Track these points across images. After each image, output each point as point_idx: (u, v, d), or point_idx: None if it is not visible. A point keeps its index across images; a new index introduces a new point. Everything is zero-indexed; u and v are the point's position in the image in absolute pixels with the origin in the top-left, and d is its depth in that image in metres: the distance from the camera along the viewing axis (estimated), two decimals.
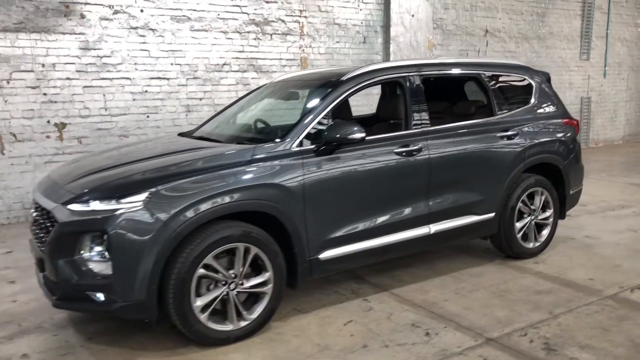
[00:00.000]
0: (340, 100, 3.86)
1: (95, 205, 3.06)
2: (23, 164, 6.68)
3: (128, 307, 3.07)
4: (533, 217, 4.80)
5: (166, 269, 3.11)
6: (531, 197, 4.79)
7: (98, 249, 3.04)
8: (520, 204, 4.67)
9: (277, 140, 3.58)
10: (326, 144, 3.60)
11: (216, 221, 3.27)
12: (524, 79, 4.95)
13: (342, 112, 5.10)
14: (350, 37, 9.01)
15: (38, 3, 6.58)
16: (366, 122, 4.78)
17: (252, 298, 3.46)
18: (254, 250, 3.34)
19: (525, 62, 10.72)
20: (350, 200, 3.74)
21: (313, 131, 3.65)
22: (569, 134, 5.02)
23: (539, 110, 4.91)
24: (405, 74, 4.20)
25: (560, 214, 5.08)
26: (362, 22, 9.09)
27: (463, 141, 4.30)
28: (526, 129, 4.70)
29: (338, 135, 3.56)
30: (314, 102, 3.82)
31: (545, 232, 4.92)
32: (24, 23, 6.54)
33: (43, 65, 6.70)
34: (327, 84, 3.99)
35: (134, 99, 7.33)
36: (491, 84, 4.66)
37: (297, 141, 3.58)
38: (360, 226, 3.80)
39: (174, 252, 3.11)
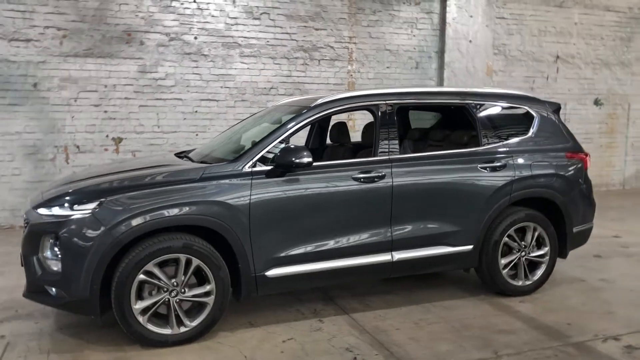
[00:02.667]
0: (302, 126, 4.04)
1: (56, 210, 3.51)
2: None
3: (74, 303, 3.47)
4: (523, 253, 4.58)
5: (111, 272, 3.47)
6: (523, 232, 4.59)
7: (54, 249, 3.48)
8: (506, 239, 4.49)
9: (232, 161, 3.84)
10: (277, 167, 3.79)
11: (162, 232, 3.58)
12: (524, 109, 4.77)
13: (322, 137, 5.31)
14: (402, 63, 9.07)
15: (104, 32, 7.46)
16: (343, 148, 4.92)
17: (198, 307, 3.71)
18: (195, 261, 3.61)
19: (606, 90, 10.14)
20: (300, 221, 3.88)
21: (270, 155, 3.86)
22: (571, 168, 4.73)
23: (538, 142, 4.70)
24: (377, 102, 4.28)
25: (561, 252, 4.79)
26: (415, 48, 9.12)
27: (434, 170, 4.26)
28: (518, 160, 4.52)
29: (286, 159, 3.75)
30: (276, 127, 4.03)
31: (539, 271, 4.66)
32: (91, 49, 7.44)
33: (105, 86, 7.56)
34: (297, 110, 4.19)
35: (184, 119, 7.98)
36: (480, 114, 4.56)
37: (250, 163, 3.81)
38: (312, 247, 3.92)
39: (118, 257, 3.47)
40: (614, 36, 10.55)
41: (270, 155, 3.87)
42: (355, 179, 4.03)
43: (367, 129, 4.81)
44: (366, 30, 8.81)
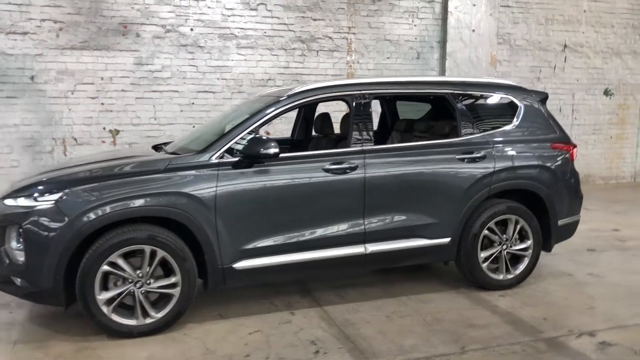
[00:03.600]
0: (272, 117, 3.99)
1: (21, 201, 3.53)
2: None
3: (38, 294, 3.50)
4: (505, 246, 4.47)
5: (76, 263, 3.48)
6: (505, 224, 4.48)
7: (19, 239, 3.50)
8: (486, 232, 4.39)
9: (199, 152, 3.81)
10: (244, 158, 3.76)
11: (130, 223, 3.58)
12: (507, 99, 4.64)
13: (307, 128, 5.25)
14: (403, 53, 8.93)
15: (100, 24, 7.50)
16: (326, 139, 4.85)
17: (165, 298, 3.71)
18: (160, 253, 3.60)
19: (616, 79, 9.86)
20: (268, 213, 3.84)
21: (239, 146, 3.82)
22: (557, 160, 4.60)
23: (522, 133, 4.58)
24: (351, 92, 4.20)
25: (545, 246, 4.67)
26: (416, 38, 8.97)
27: (408, 162, 4.18)
28: (499, 151, 4.41)
29: (252, 150, 3.71)
30: (246, 117, 3.99)
31: (521, 265, 4.55)
32: (88, 42, 7.49)
33: (102, 79, 7.61)
34: (270, 100, 4.14)
35: (181, 110, 7.99)
36: (460, 104, 4.46)
37: (217, 154, 3.78)
38: (281, 240, 3.88)
39: (82, 248, 3.47)
40: (625, 24, 10.23)
41: (239, 147, 3.83)
42: (326, 170, 3.97)
43: (344, 120, 4.74)
44: (365, 20, 8.69)
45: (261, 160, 3.78)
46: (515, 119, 4.60)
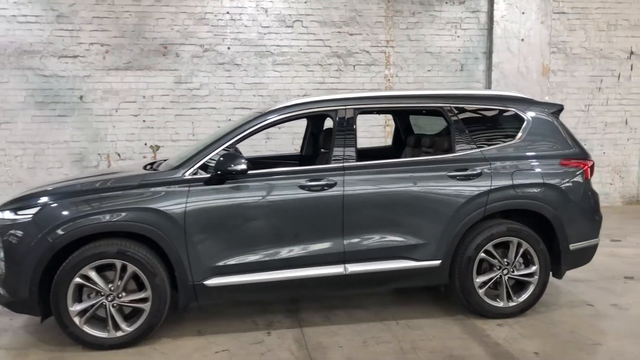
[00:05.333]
0: (250, 133, 3.96)
1: (6, 214, 3.74)
2: None
3: (16, 303, 3.68)
4: (506, 271, 4.13)
5: (51, 275, 3.63)
6: (507, 247, 4.14)
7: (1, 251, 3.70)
8: (483, 255, 4.07)
9: (174, 168, 3.86)
10: (215, 174, 3.76)
11: (104, 237, 3.68)
12: (511, 112, 4.31)
13: (315, 144, 5.14)
14: (445, 65, 8.62)
15: (143, 45, 7.90)
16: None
17: (138, 313, 3.76)
18: (131, 267, 3.66)
19: None
20: (241, 230, 3.80)
21: (212, 162, 3.83)
22: (567, 178, 4.19)
23: (526, 148, 4.22)
24: (336, 107, 4.09)
25: (555, 272, 4.26)
26: (459, 49, 8.63)
27: (392, 179, 3.98)
28: (497, 168, 4.10)
29: (221, 167, 3.70)
30: (223, 134, 3.99)
31: (526, 292, 4.17)
32: (131, 62, 7.91)
33: (144, 97, 7.99)
34: (251, 116, 4.13)
35: (218, 126, 8.17)
36: (455, 118, 4.20)
37: (191, 170, 3.81)
38: (255, 258, 3.82)
39: (57, 261, 3.61)
40: None
41: (214, 163, 3.83)
42: (303, 187, 3.87)
43: (326, 135, 4.62)
44: (405, 33, 8.49)
45: (232, 176, 3.76)
46: (520, 134, 4.26)
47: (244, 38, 8.13)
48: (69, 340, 3.77)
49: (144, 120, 8.03)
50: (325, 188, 3.88)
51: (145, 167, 4.31)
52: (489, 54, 8.64)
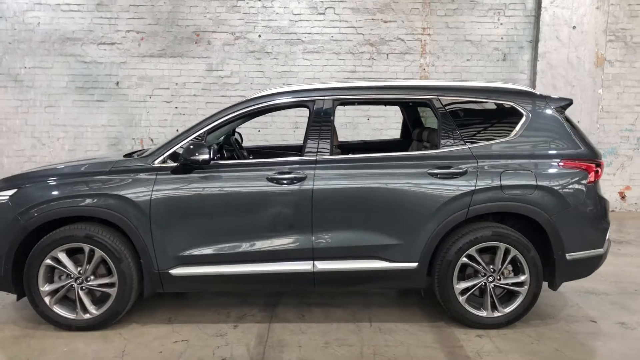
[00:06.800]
0: (222, 124, 3.89)
1: None
2: None
3: None
4: (491, 279, 3.82)
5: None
6: (494, 253, 3.83)
7: None
8: (465, 259, 3.79)
9: (146, 156, 3.86)
10: (181, 164, 3.72)
11: (77, 221, 3.76)
12: (508, 106, 3.95)
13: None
14: (486, 55, 8.13)
15: (176, 33, 8.03)
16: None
17: (106, 297, 3.82)
18: (98, 252, 3.72)
19: None
20: (206, 221, 3.74)
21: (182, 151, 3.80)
22: (567, 180, 3.79)
23: (523, 146, 3.86)
24: (313, 97, 3.93)
25: (550, 283, 3.89)
26: (502, 38, 8.10)
27: (367, 175, 3.77)
28: (484, 167, 3.78)
29: (185, 156, 3.65)
30: (195, 123, 3.94)
31: (513, 303, 3.84)
32: (164, 50, 8.07)
33: (176, 84, 8.14)
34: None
35: None
36: (443, 111, 3.90)
37: (160, 158, 3.80)
38: (219, 249, 3.76)
39: (32, 241, 3.72)
40: None
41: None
42: (271, 180, 3.75)
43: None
44: (443, 20, 8.08)
45: (199, 166, 3.71)
46: (516, 130, 3.89)
47: (275, 26, 8.06)
48: (44, 320, 3.89)
49: (176, 107, 8.19)
50: (295, 181, 3.74)
51: (126, 155, 4.35)
52: (535, 42, 8.05)
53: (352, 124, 8.15)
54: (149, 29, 8.03)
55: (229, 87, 8.15)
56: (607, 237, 3.96)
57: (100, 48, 8.06)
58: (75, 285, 3.76)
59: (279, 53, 8.10)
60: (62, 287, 3.77)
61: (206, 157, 3.63)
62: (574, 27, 7.92)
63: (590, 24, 7.92)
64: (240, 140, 5.28)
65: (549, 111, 3.95)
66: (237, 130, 5.24)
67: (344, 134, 8.03)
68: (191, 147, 3.66)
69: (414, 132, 4.97)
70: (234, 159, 4.69)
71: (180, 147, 3.82)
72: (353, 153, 4.26)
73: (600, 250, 3.91)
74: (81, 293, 3.77)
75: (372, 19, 8.05)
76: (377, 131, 8.19)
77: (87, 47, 8.04)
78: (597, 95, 8.02)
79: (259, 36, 8.07)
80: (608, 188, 8.28)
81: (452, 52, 8.13)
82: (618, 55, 8.16)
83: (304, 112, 4.69)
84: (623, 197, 8.46)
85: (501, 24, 8.08)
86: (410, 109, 5.15)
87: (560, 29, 7.92)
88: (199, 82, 8.15)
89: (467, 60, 8.14)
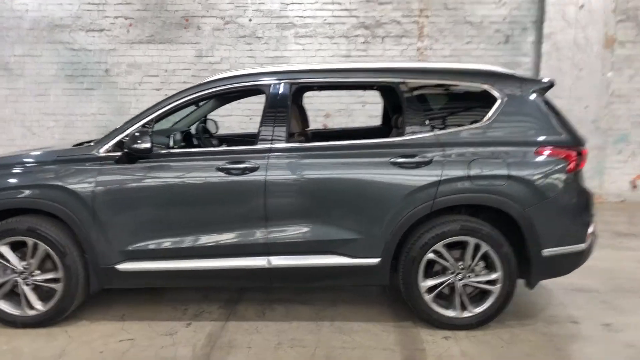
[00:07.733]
0: (170, 110, 3.66)
1: None
2: None
3: None
4: (460, 276, 3.52)
5: None
6: (464, 248, 3.53)
7: None
8: (431, 255, 3.50)
9: (93, 145, 3.66)
10: (125, 153, 3.51)
11: (25, 213, 3.59)
12: (480, 89, 3.62)
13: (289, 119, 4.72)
14: (487, 37, 7.73)
15: (165, 18, 7.82)
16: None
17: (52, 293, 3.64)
18: (42, 246, 3.54)
19: None
20: (150, 214, 3.52)
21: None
22: (543, 169, 3.45)
23: (495, 132, 3.53)
24: (268, 81, 3.66)
25: (526, 281, 3.58)
26: (504, 19, 7.68)
27: (323, 164, 3.49)
28: (451, 156, 3.47)
29: (128, 145, 3.44)
30: (143, 110, 3.71)
31: (485, 302, 3.54)
32: (153, 36, 7.87)
33: (165, 71, 7.95)
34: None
35: (238, 102, 7.94)
36: (409, 95, 3.60)
37: (105, 147, 3.59)
38: (166, 244, 3.53)
39: None
40: None
41: None
42: (221, 170, 3.51)
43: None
44: (441, 1, 7.70)
45: (143, 155, 3.49)
46: (489, 115, 3.56)
47: (266, 9, 7.79)
48: None
49: (165, 94, 7.94)
50: (246, 172, 3.49)
51: (75, 145, 4.17)
52: (539, 23, 7.61)
53: (346, 110, 7.86)
54: (138, 15, 7.84)
55: (220, 74, 7.89)
56: (590, 231, 3.62)
57: (89, 35, 7.91)
58: (19, 280, 3.59)
59: (270, 38, 7.83)
60: (6, 282, 3.60)
61: (148, 145, 3.40)
62: (582, 6, 7.45)
63: (599, 3, 7.44)
64: (215, 129, 5.06)
65: (526, 94, 3.61)
66: (209, 117, 5.03)
67: (339, 121, 7.77)
68: (134, 136, 3.44)
69: (392, 119, 4.66)
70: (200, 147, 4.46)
71: (127, 135, 3.60)
72: (326, 141, 3.98)
73: (581, 246, 3.57)
74: (26, 288, 3.59)
75: (367, 1, 7.71)
76: (373, 118, 7.86)
77: (75, 34, 7.90)
78: (606, 78, 7.56)
79: (250, 20, 7.81)
80: (618, 177, 7.84)
81: (452, 34, 7.74)
82: (629, 36, 7.66)
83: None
84: (634, 186, 7.99)
85: (503, 4, 7.66)
86: (389, 93, 4.83)
87: (567, 9, 7.46)
88: (188, 68, 7.94)
89: (467, 43, 7.75)
